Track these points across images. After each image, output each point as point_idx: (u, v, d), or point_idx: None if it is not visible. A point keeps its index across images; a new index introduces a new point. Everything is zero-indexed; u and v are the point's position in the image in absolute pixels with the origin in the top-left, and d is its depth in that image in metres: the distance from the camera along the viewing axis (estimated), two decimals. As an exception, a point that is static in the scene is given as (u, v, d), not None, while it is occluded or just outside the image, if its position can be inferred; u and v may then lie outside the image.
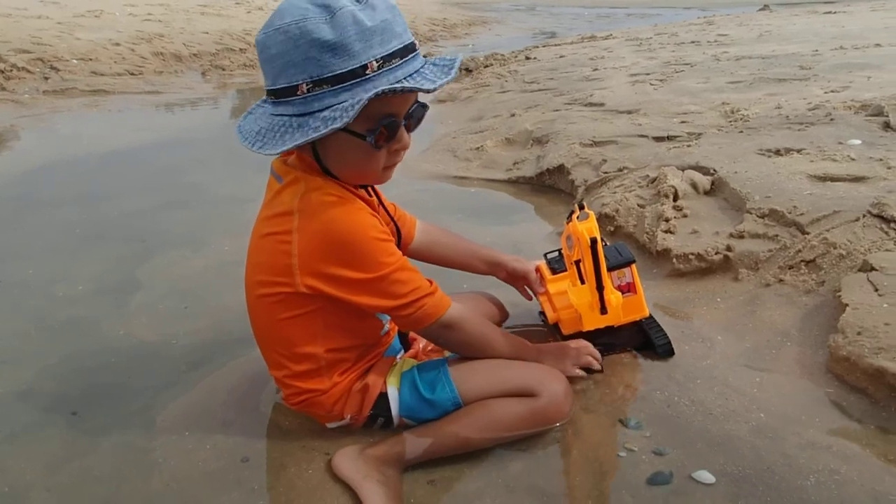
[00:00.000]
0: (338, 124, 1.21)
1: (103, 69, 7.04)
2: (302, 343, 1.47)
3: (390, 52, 1.25)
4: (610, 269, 1.72)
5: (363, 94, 1.22)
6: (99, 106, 5.93)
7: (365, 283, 1.36)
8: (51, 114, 5.56)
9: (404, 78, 1.28)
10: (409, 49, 1.29)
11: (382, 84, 1.24)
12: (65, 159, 4.19)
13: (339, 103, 1.23)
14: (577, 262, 1.78)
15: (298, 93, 1.25)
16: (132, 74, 7.14)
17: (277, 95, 1.28)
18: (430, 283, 1.47)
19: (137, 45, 7.87)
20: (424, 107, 1.38)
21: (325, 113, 1.24)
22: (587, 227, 1.67)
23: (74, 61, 7.02)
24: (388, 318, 1.61)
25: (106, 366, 1.92)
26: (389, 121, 1.31)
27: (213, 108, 6.10)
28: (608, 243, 1.97)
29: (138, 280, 2.47)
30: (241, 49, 8.68)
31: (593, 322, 1.74)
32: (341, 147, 1.34)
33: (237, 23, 9.84)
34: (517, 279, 1.93)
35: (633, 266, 1.78)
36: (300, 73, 1.23)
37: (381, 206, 1.58)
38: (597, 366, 1.73)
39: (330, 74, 1.22)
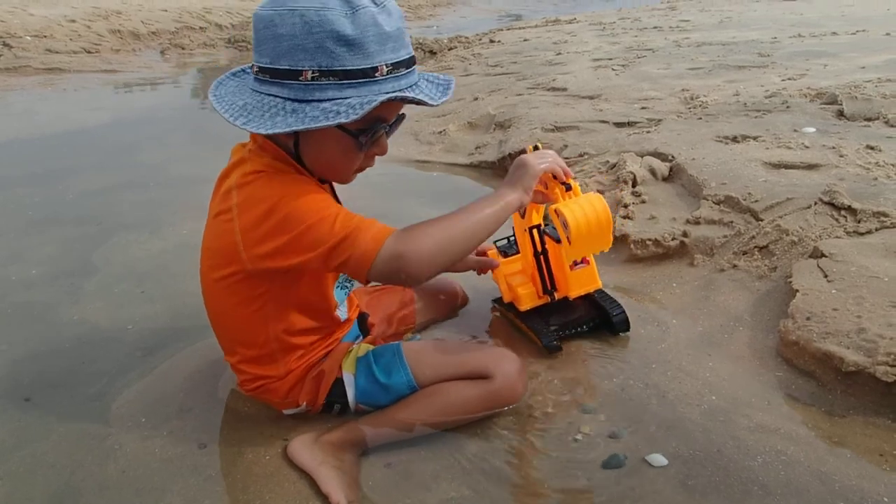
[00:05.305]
0: (342, 119, 1.20)
1: (58, 46, 6.86)
2: (254, 327, 1.46)
3: (399, 60, 1.27)
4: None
5: (373, 95, 1.23)
6: (54, 84, 5.79)
7: (295, 239, 1.28)
8: (3, 92, 5.42)
9: (408, 88, 1.29)
10: (412, 61, 1.31)
11: (387, 89, 1.25)
12: (18, 138, 4.09)
13: (342, 98, 1.23)
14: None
15: (301, 78, 1.23)
16: (88, 52, 6.97)
17: (273, 75, 1.26)
18: (370, 218, 1.32)
19: (94, 22, 7.68)
20: (404, 117, 1.40)
21: (326, 105, 1.22)
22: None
23: (28, 38, 6.84)
24: (345, 301, 1.61)
25: (60, 351, 1.89)
26: (380, 125, 1.33)
27: (172, 88, 5.99)
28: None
29: (93, 263, 2.43)
30: (200, 28, 8.53)
31: (581, 231, 1.53)
32: (326, 140, 1.32)
33: (196, 0, 9.64)
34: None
35: None
36: (309, 59, 1.21)
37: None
38: (565, 166, 1.54)
39: (340, 68, 1.22)
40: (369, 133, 1.32)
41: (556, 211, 1.55)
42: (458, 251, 1.37)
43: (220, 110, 1.29)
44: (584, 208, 1.51)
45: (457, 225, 1.37)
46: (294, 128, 1.22)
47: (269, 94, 1.27)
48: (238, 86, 1.37)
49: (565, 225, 1.52)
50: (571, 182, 1.57)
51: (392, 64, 1.25)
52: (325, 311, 1.55)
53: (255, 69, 1.30)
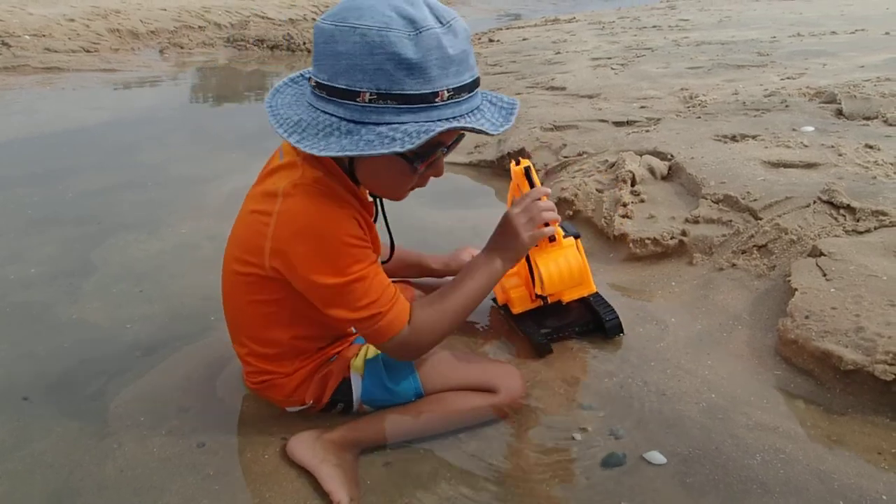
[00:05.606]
0: (398, 148, 1.15)
1: (57, 45, 6.86)
2: (267, 327, 1.46)
3: (462, 84, 1.21)
4: None
5: (431, 122, 1.18)
6: (53, 83, 5.79)
7: (324, 288, 1.32)
8: (2, 91, 5.41)
9: (468, 113, 1.24)
10: (475, 84, 1.25)
11: (447, 114, 1.20)
12: (17, 138, 4.09)
13: (399, 123, 1.18)
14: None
15: (358, 99, 1.17)
16: (87, 51, 6.96)
17: (330, 93, 1.20)
18: (393, 295, 1.40)
19: (92, 21, 7.68)
20: (462, 136, 1.35)
21: (382, 129, 1.17)
22: (522, 165, 1.67)
23: (27, 37, 6.84)
24: None
25: (58, 350, 1.89)
26: (437, 149, 1.28)
27: (171, 87, 5.99)
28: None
29: (92, 263, 2.42)
30: (199, 27, 8.52)
31: (554, 283, 1.70)
32: (380, 161, 1.28)
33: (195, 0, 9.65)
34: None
35: (579, 241, 1.81)
36: (367, 81, 1.16)
37: (380, 215, 1.56)
38: (554, 215, 1.56)
39: (399, 92, 1.16)
40: (426, 157, 1.28)
41: (534, 262, 1.69)
42: (456, 327, 1.52)
43: (275, 125, 1.26)
44: (559, 264, 1.67)
45: (458, 307, 1.49)
46: (347, 152, 1.17)
47: (325, 112, 1.22)
48: (295, 96, 1.33)
49: (540, 279, 1.68)
50: (556, 231, 1.62)
51: (454, 89, 1.19)
52: (339, 326, 1.56)
53: (313, 83, 1.24)
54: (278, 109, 1.29)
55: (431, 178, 1.41)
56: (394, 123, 1.18)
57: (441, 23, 1.17)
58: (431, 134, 1.16)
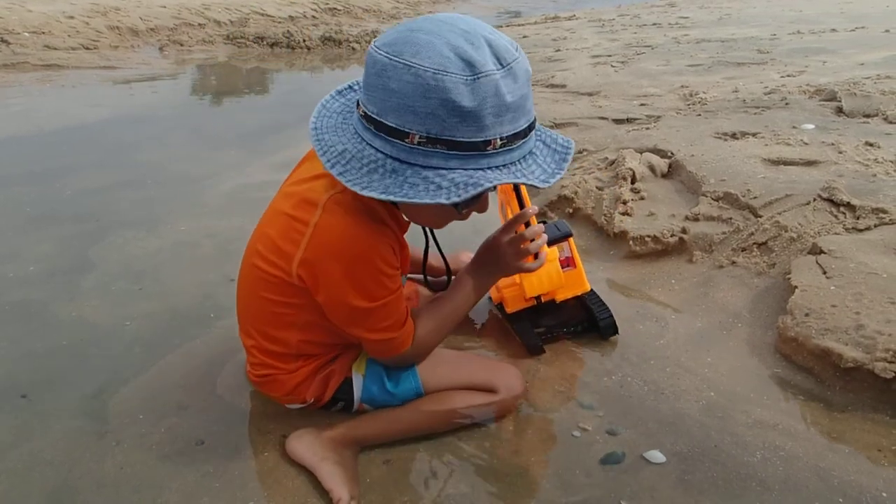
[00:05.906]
0: (443, 200, 1.11)
1: (56, 43, 6.83)
2: (279, 327, 1.46)
3: (516, 132, 1.15)
4: (549, 244, 1.75)
5: (480, 174, 1.13)
6: (52, 81, 5.77)
7: (349, 308, 1.33)
8: (1, 88, 5.40)
9: (520, 160, 1.19)
10: (531, 127, 1.20)
11: (497, 162, 1.15)
12: (16, 135, 4.08)
13: (446, 169, 1.13)
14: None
15: (407, 140, 1.12)
16: (87, 49, 6.94)
17: (378, 128, 1.15)
18: (405, 319, 1.43)
19: (92, 18, 7.65)
20: None
21: (428, 173, 1.13)
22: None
23: (26, 34, 6.82)
24: None
25: (57, 348, 1.89)
26: (483, 191, 1.23)
27: (170, 85, 5.98)
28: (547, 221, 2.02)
29: (91, 260, 2.42)
30: (199, 24, 8.49)
31: (535, 288, 1.76)
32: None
33: (196, -3, 9.62)
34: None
35: (571, 240, 1.81)
36: (418, 123, 1.10)
37: (432, 245, 1.62)
38: (540, 243, 1.54)
39: (449, 138, 1.11)
40: (471, 202, 1.25)
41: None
42: (445, 338, 1.58)
43: (319, 152, 1.22)
44: (541, 279, 1.75)
45: (449, 322, 1.54)
46: (390, 195, 1.13)
47: (371, 146, 1.17)
48: (343, 114, 1.28)
49: (522, 288, 1.77)
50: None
51: (507, 137, 1.14)
52: (351, 338, 1.55)
53: (361, 112, 1.19)
54: (323, 134, 1.24)
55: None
56: (441, 169, 1.13)
57: (501, 65, 1.11)
58: (479, 189, 1.11)
